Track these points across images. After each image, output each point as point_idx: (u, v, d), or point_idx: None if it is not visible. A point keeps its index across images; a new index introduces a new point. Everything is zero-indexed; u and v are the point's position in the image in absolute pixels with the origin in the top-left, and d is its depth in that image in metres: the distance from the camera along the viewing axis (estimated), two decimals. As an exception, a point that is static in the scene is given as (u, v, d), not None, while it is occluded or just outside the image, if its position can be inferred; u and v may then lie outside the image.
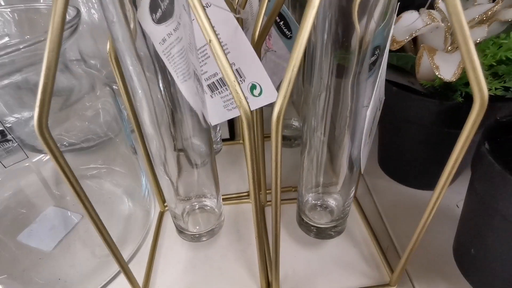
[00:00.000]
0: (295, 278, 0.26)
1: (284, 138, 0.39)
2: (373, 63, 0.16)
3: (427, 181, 0.33)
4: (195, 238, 0.27)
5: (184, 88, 0.19)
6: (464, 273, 0.25)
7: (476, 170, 0.22)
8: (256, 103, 0.21)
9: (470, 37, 0.13)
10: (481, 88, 0.14)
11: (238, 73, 0.21)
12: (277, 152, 0.15)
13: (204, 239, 0.27)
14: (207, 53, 0.21)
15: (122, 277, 0.27)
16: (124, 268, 0.22)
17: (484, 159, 0.20)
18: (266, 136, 0.34)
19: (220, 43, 0.14)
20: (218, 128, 0.38)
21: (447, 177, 0.17)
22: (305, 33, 0.12)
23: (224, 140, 0.42)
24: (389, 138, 0.34)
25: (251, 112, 0.16)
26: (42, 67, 0.13)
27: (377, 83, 0.16)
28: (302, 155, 0.24)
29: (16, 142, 0.30)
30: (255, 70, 0.20)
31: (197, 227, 0.27)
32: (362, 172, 0.22)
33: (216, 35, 0.14)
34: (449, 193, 0.32)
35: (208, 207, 0.28)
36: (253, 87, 0.21)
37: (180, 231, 0.27)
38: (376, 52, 0.16)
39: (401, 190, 0.34)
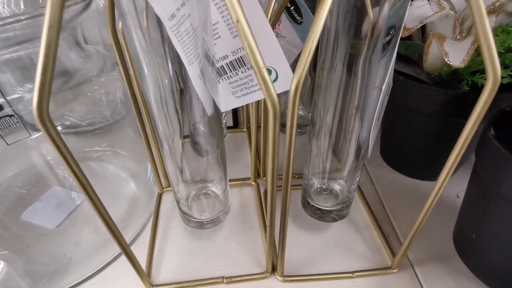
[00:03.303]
0: (298, 260, 0.26)
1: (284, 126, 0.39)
2: (388, 43, 0.17)
3: (429, 171, 0.34)
4: (200, 225, 0.27)
5: (192, 70, 0.18)
6: (463, 259, 0.26)
7: (481, 156, 0.22)
8: None
9: (486, 16, 0.13)
10: (494, 66, 0.14)
11: None
12: (293, 124, 0.15)
13: (209, 226, 0.27)
14: (217, 33, 0.19)
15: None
16: (126, 249, 0.21)
17: (490, 144, 0.20)
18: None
19: (248, 24, 0.13)
20: (224, 115, 0.38)
21: (455, 158, 0.17)
22: (327, 4, 0.13)
23: (227, 128, 0.42)
24: (392, 128, 0.34)
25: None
26: (41, 46, 0.12)
27: (392, 62, 0.17)
28: (311, 139, 0.24)
29: (18, 119, 0.30)
30: (272, 54, 0.19)
31: (204, 214, 0.27)
32: (369, 155, 0.22)
33: (245, 15, 0.13)
34: (449, 184, 0.33)
35: (214, 194, 0.27)
36: (268, 72, 0.20)
37: (186, 218, 0.27)
38: (391, 32, 0.16)
39: (403, 180, 0.34)
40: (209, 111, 0.21)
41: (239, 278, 0.25)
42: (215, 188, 0.27)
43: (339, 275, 0.25)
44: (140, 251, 0.27)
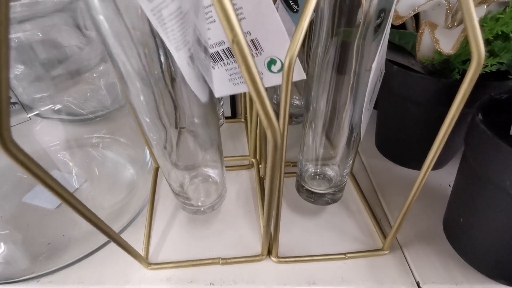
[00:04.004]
0: (292, 243, 0.27)
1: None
2: (378, 26, 0.17)
3: (422, 161, 0.34)
4: (196, 212, 0.27)
5: (179, 57, 0.17)
6: (451, 243, 0.26)
7: (469, 141, 0.23)
8: (274, 80, 0.19)
9: (471, -3, 0.14)
10: (478, 45, 0.15)
11: (254, 45, 0.18)
12: (287, 98, 0.16)
13: (205, 212, 0.27)
14: (212, 16, 0.17)
15: (125, 234, 0.28)
16: (115, 238, 0.21)
17: (477, 128, 0.21)
18: None
19: (246, 41, 0.11)
20: (222, 103, 0.39)
21: (441, 138, 0.18)
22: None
23: (225, 118, 0.43)
24: (386, 119, 0.35)
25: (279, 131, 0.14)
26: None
27: (381, 44, 0.17)
28: (305, 125, 0.25)
29: (18, 101, 0.30)
30: (277, 42, 0.17)
31: (200, 201, 0.27)
32: (361, 138, 0.23)
33: (242, 30, 0.11)
34: (442, 174, 0.34)
35: (210, 180, 0.28)
36: (271, 62, 0.18)
37: (182, 204, 0.27)
38: (382, 15, 0.17)
39: (396, 170, 0.35)
40: (202, 98, 0.20)
41: (234, 260, 0.26)
42: (212, 174, 0.28)
43: (332, 256, 0.26)
44: (139, 232, 0.28)
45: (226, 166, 0.35)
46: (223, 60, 0.19)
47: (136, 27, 0.16)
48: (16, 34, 0.28)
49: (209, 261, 0.26)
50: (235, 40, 0.11)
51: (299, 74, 0.18)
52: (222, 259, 0.26)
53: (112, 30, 0.16)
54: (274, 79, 0.18)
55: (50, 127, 0.37)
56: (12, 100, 0.30)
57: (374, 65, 0.18)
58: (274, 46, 0.17)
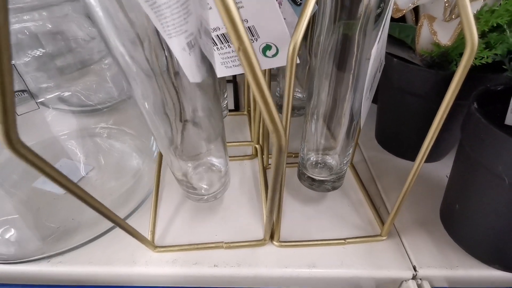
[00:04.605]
0: (293, 228, 0.28)
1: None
2: (378, 15, 0.18)
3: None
4: (199, 200, 0.28)
5: (174, 44, 0.17)
6: (447, 229, 0.27)
7: (465, 130, 0.24)
8: (268, 64, 0.20)
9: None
10: (472, 33, 0.15)
11: (250, 31, 0.19)
12: (290, 83, 0.17)
13: (209, 200, 0.28)
14: (208, 3, 0.18)
15: (129, 220, 0.29)
16: (122, 224, 0.22)
17: (473, 116, 0.22)
18: None
19: (253, 50, 0.11)
20: (226, 95, 0.39)
21: (437, 125, 0.19)
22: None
23: (229, 110, 0.43)
24: (386, 111, 0.36)
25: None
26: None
27: (380, 32, 0.18)
28: (307, 114, 0.26)
29: (27, 88, 0.31)
30: (274, 28, 0.18)
31: (204, 188, 0.27)
32: (361, 127, 0.24)
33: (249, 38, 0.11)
34: (440, 166, 0.35)
35: (214, 169, 0.28)
36: (267, 47, 0.19)
37: (186, 193, 0.28)
38: (381, 5, 0.18)
39: (396, 161, 0.36)
40: (192, 79, 0.20)
41: (237, 244, 0.27)
42: (216, 163, 0.28)
43: (332, 241, 0.27)
44: (146, 217, 0.29)
45: (230, 156, 0.36)
46: (216, 44, 0.20)
47: (137, 20, 0.16)
48: (26, 24, 0.29)
49: (213, 245, 0.27)
50: (241, 48, 0.11)
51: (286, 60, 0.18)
52: (225, 243, 0.27)
53: (112, 25, 0.16)
54: (268, 63, 0.19)
55: (59, 117, 0.38)
56: (21, 88, 0.31)
57: (373, 52, 0.19)
58: (270, 32, 0.18)
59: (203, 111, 0.24)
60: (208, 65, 0.21)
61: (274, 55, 0.19)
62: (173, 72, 0.20)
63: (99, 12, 0.16)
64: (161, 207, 0.30)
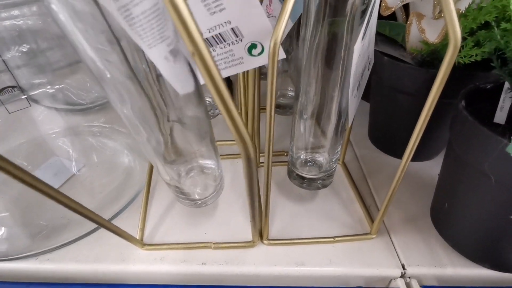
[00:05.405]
0: (283, 226, 0.28)
1: (279, 106, 0.40)
2: (363, 12, 0.18)
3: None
4: (194, 205, 0.27)
5: (154, 54, 0.16)
6: (437, 228, 0.27)
7: (453, 128, 0.24)
8: (253, 63, 0.20)
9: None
10: (454, 30, 0.15)
11: (234, 33, 0.18)
12: (273, 79, 0.17)
13: (204, 205, 0.27)
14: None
15: (120, 218, 0.29)
16: (107, 226, 0.22)
17: (460, 114, 0.22)
18: (262, 108, 0.35)
19: (210, 52, 0.11)
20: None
21: (422, 122, 0.19)
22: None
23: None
24: (378, 110, 0.36)
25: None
26: None
27: (363, 26, 0.18)
28: (295, 113, 0.26)
29: (17, 84, 0.31)
30: (258, 28, 0.18)
31: (196, 196, 0.26)
32: (350, 124, 0.24)
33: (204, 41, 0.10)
34: (432, 165, 0.35)
35: (206, 172, 0.27)
36: (252, 46, 0.19)
37: (180, 199, 0.27)
38: (366, 1, 0.18)
39: (388, 160, 0.36)
40: (181, 91, 0.20)
41: (226, 245, 0.26)
42: (207, 166, 0.27)
43: (321, 239, 0.27)
44: (136, 214, 0.29)
45: (221, 155, 0.36)
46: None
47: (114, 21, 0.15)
48: (16, 21, 0.29)
49: (202, 245, 0.26)
50: (196, 53, 0.10)
51: (280, 53, 0.17)
52: (214, 243, 0.26)
53: (83, 28, 0.15)
54: (255, 62, 0.19)
55: (50, 115, 0.38)
56: (11, 84, 0.31)
57: (356, 48, 0.18)
58: (254, 31, 0.18)
59: (187, 114, 0.22)
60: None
61: (260, 53, 0.19)
62: (155, 72, 0.18)
63: (65, 16, 0.15)
64: (152, 205, 0.30)
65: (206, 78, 0.11)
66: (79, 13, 0.15)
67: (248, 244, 0.27)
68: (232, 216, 0.29)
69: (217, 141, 0.36)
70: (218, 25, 0.18)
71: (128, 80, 0.18)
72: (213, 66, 0.11)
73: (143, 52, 0.17)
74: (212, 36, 0.18)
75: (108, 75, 0.18)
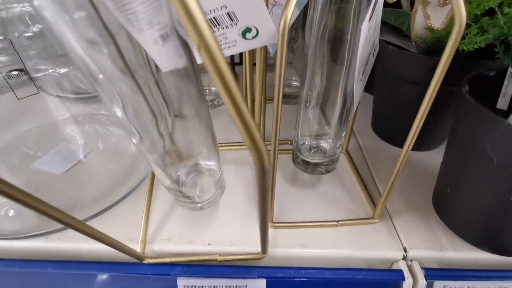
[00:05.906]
0: (287, 210, 0.28)
1: (283, 96, 0.41)
2: (370, -4, 0.19)
3: (416, 141, 0.36)
4: (193, 208, 0.26)
5: (143, 38, 0.15)
6: (439, 213, 0.28)
7: (457, 113, 0.24)
8: (247, 45, 0.19)
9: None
10: (460, 11, 0.16)
11: (230, 17, 0.18)
12: (282, 59, 0.17)
13: (205, 207, 0.26)
14: None
15: (126, 202, 0.29)
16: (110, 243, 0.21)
17: (463, 99, 0.22)
18: (268, 99, 0.35)
19: (218, 45, 0.09)
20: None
21: (426, 105, 0.19)
22: None
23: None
24: (382, 100, 0.36)
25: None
26: None
27: (371, 7, 0.18)
28: (301, 100, 0.26)
29: (25, 68, 0.31)
30: (253, 11, 0.17)
31: (197, 195, 0.26)
32: (355, 109, 0.24)
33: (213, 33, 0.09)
34: (435, 155, 0.35)
35: (207, 175, 0.26)
36: (247, 30, 0.19)
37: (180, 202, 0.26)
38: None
39: (390, 149, 0.36)
40: (164, 68, 0.19)
41: (232, 257, 0.25)
42: (208, 167, 0.26)
43: (325, 223, 0.27)
44: (140, 200, 0.29)
45: (227, 145, 0.36)
46: None
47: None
48: (25, 7, 0.30)
49: (206, 257, 0.25)
50: (202, 45, 0.09)
51: (268, 38, 0.18)
52: (220, 255, 0.25)
53: (71, 23, 0.15)
54: (247, 45, 0.19)
55: (59, 103, 0.38)
56: (19, 67, 0.31)
57: (363, 28, 0.19)
58: (250, 15, 0.17)
59: (188, 104, 0.21)
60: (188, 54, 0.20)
61: (254, 37, 0.19)
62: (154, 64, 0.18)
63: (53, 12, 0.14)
64: (153, 207, 0.29)
65: (213, 74, 0.09)
66: (66, 4, 0.14)
67: (257, 256, 0.25)
68: (236, 199, 0.30)
69: (220, 144, 0.36)
70: (214, 9, 0.17)
71: (124, 76, 0.18)
72: (223, 61, 0.09)
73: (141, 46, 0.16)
74: (208, 20, 0.18)
75: (101, 76, 0.17)
